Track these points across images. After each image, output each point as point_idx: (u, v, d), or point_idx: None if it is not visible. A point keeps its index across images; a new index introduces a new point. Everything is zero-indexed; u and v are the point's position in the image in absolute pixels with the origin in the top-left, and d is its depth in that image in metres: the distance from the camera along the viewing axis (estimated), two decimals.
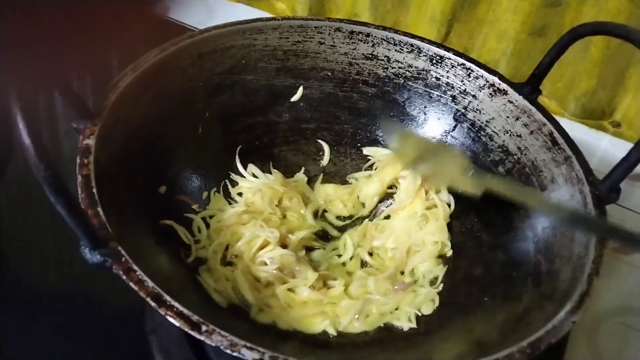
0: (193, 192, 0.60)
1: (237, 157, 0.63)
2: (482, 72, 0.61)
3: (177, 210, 0.58)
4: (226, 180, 0.62)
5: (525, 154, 0.58)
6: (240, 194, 0.62)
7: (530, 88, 0.59)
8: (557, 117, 0.58)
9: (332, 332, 0.52)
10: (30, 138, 0.36)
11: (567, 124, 0.87)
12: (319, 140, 0.67)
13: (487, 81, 0.61)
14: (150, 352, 0.56)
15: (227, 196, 0.62)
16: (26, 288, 0.62)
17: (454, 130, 0.64)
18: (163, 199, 0.57)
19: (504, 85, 0.60)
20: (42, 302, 0.61)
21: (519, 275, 0.53)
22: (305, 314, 0.53)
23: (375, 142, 0.67)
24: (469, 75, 0.62)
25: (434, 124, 0.65)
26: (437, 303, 0.56)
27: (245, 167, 0.63)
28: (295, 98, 0.66)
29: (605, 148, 0.85)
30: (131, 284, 0.41)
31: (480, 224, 0.60)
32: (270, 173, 0.64)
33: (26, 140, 0.36)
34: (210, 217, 0.59)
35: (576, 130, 0.86)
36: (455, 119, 0.63)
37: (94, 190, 0.45)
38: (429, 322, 0.54)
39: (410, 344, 0.52)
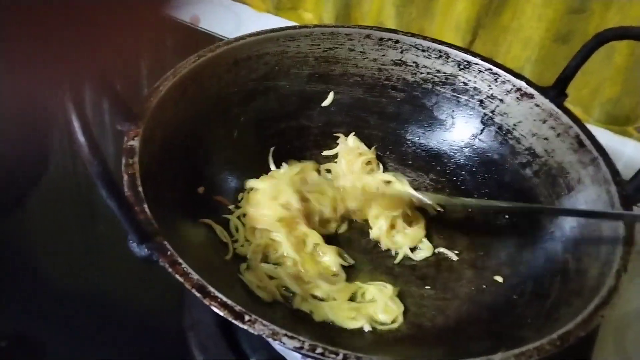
0: (230, 193, 0.62)
1: (270, 157, 0.65)
2: (509, 76, 0.63)
3: (216, 210, 0.60)
4: None
5: (552, 156, 0.59)
6: None
7: (556, 92, 0.60)
8: (591, 131, 0.59)
9: (367, 328, 0.54)
10: (84, 135, 0.38)
11: (592, 129, 0.88)
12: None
13: (514, 85, 0.62)
14: (188, 347, 0.58)
15: None
16: (65, 289, 0.65)
17: (481, 133, 0.65)
18: (202, 199, 0.59)
19: (530, 90, 0.62)
20: (77, 302, 0.63)
21: (548, 273, 0.54)
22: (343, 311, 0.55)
23: (402, 145, 0.69)
24: (496, 80, 0.63)
25: (462, 127, 0.66)
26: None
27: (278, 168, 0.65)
28: (326, 103, 0.68)
29: (630, 153, 0.86)
30: (177, 276, 0.43)
31: (509, 225, 0.61)
32: None
33: (80, 138, 0.38)
34: (244, 215, 0.61)
35: (601, 136, 0.85)
36: (482, 123, 0.65)
37: (140, 188, 0.47)
38: (458, 320, 0.55)
39: (440, 340, 0.53)
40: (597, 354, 0.63)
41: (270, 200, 0.60)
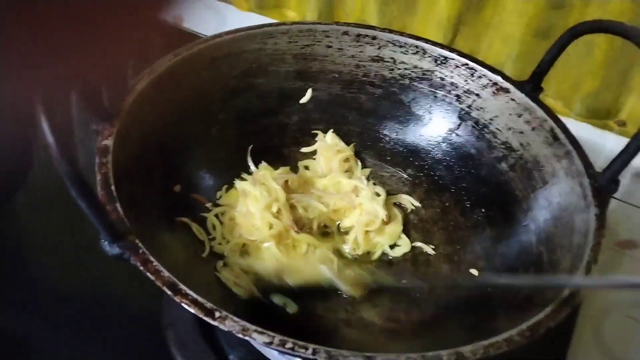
0: (207, 190, 0.62)
1: (249, 156, 0.65)
2: (485, 71, 0.63)
3: (193, 208, 0.60)
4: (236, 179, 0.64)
5: (528, 150, 0.60)
6: None
7: (532, 86, 0.61)
8: (563, 118, 0.59)
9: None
10: (52, 136, 0.38)
11: (573, 124, 0.88)
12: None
13: (490, 80, 0.63)
14: (167, 345, 0.58)
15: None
16: (46, 287, 0.65)
17: (458, 128, 0.65)
18: (179, 197, 0.59)
19: (506, 84, 0.62)
20: (62, 300, 0.64)
21: (522, 266, 0.54)
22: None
23: (380, 141, 0.69)
24: (472, 75, 0.64)
25: (439, 122, 0.67)
26: None
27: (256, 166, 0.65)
28: (304, 100, 0.68)
29: (611, 147, 0.86)
30: (148, 274, 0.43)
31: (485, 219, 0.62)
32: None
33: (49, 138, 0.38)
34: (223, 214, 0.62)
35: (582, 130, 0.88)
36: (459, 118, 0.65)
37: (112, 187, 0.47)
38: (434, 314, 0.56)
39: (416, 334, 0.54)
40: (576, 345, 0.64)
41: (263, 211, 0.60)
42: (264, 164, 0.65)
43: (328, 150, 0.67)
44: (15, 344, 0.59)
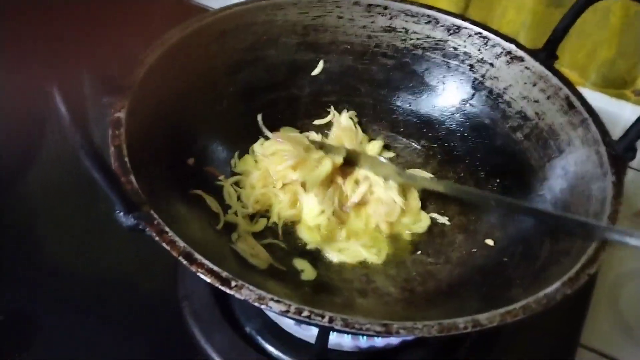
0: (220, 163, 0.62)
1: (260, 123, 0.66)
2: (498, 40, 0.62)
3: (206, 181, 0.60)
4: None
5: (543, 119, 0.59)
6: None
7: (546, 54, 0.60)
8: (578, 87, 0.58)
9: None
10: (65, 107, 0.38)
11: (588, 93, 0.87)
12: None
13: (504, 49, 0.62)
14: (183, 317, 0.59)
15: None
16: (59, 266, 0.66)
17: (472, 98, 0.65)
18: (192, 170, 0.59)
19: (520, 52, 0.61)
20: (76, 275, 0.64)
21: (538, 235, 0.54)
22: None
23: (393, 112, 0.69)
24: (485, 44, 0.63)
25: (453, 93, 0.66)
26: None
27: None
28: (316, 72, 0.67)
29: (628, 116, 0.85)
30: (163, 244, 0.43)
31: (500, 189, 0.61)
32: None
33: (62, 109, 0.38)
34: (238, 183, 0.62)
35: (598, 100, 0.86)
36: (473, 88, 0.65)
37: (126, 159, 0.47)
38: (450, 283, 0.55)
39: (431, 304, 0.53)
40: (592, 314, 0.64)
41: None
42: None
43: (343, 132, 0.66)
44: (29, 322, 0.59)
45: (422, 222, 0.62)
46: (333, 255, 0.58)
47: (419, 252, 0.59)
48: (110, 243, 0.67)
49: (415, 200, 0.63)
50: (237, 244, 0.57)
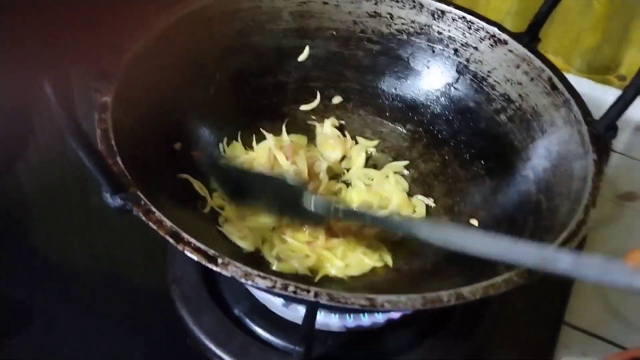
0: (207, 148, 0.63)
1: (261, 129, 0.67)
2: (482, 24, 0.63)
3: (193, 166, 0.60)
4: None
5: (526, 101, 0.60)
6: None
7: (529, 37, 0.61)
8: (563, 74, 0.59)
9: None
10: (52, 88, 0.39)
11: (573, 79, 0.88)
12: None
13: (488, 32, 0.63)
14: (172, 300, 0.59)
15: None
16: (49, 251, 0.66)
17: (457, 82, 0.65)
18: (179, 155, 0.59)
19: (504, 36, 0.62)
20: (65, 261, 0.65)
21: (521, 214, 0.55)
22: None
23: (379, 97, 0.69)
24: (469, 28, 0.64)
25: (438, 77, 0.66)
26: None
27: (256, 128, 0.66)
28: (302, 58, 0.68)
29: (611, 101, 0.86)
30: (150, 224, 0.43)
31: (484, 171, 0.62)
32: (280, 132, 0.67)
33: (48, 89, 0.39)
34: None
35: (583, 85, 0.86)
36: (457, 72, 0.65)
37: (112, 142, 0.48)
38: (435, 263, 0.56)
39: (415, 282, 0.54)
40: (576, 292, 0.65)
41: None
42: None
43: (328, 140, 0.67)
44: (19, 309, 0.60)
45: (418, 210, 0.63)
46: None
47: None
48: (100, 232, 0.68)
49: (403, 193, 0.64)
50: (225, 227, 0.57)
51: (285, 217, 0.58)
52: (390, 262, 0.58)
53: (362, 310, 0.50)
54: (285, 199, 0.55)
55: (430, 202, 0.62)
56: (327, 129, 0.68)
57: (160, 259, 0.62)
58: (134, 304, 0.61)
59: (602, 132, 0.53)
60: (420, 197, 0.63)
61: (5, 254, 0.64)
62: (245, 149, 0.65)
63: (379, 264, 0.57)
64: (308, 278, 0.56)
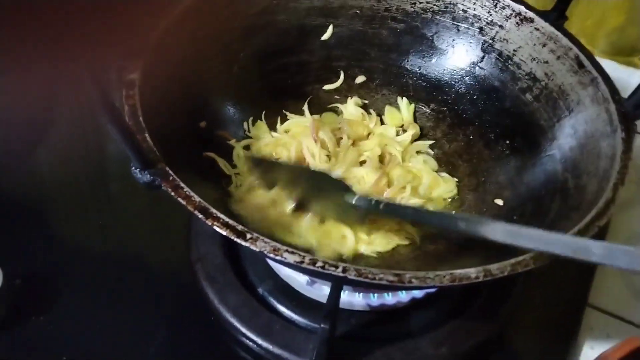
0: (232, 127, 0.63)
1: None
2: (508, 1, 0.62)
3: (218, 145, 0.60)
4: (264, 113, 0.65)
5: (553, 80, 0.59)
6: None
7: (556, 14, 0.60)
8: (590, 52, 0.58)
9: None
10: (85, 67, 0.39)
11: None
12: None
13: (514, 10, 0.62)
14: (197, 279, 0.60)
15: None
16: (74, 231, 0.67)
17: (482, 61, 0.65)
18: (205, 133, 0.59)
19: (530, 14, 0.61)
20: (90, 242, 0.66)
21: (547, 193, 0.54)
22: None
23: (403, 76, 0.69)
24: (495, 6, 0.63)
25: (462, 56, 0.66)
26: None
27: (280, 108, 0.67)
28: (325, 37, 0.68)
29: (636, 82, 0.84)
30: (179, 199, 0.44)
31: (509, 150, 0.61)
32: (302, 112, 0.67)
33: (82, 69, 0.39)
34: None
35: (607, 67, 0.85)
36: (483, 50, 0.65)
37: (140, 118, 0.48)
38: (460, 243, 0.56)
39: (441, 262, 0.54)
40: (600, 274, 0.64)
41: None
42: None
43: (352, 121, 0.67)
44: (45, 286, 0.60)
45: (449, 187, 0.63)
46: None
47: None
48: (121, 215, 0.68)
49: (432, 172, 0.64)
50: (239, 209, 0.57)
51: (328, 213, 0.57)
52: (417, 239, 0.58)
53: (389, 287, 0.50)
54: (327, 194, 0.55)
55: (454, 181, 0.62)
56: (350, 108, 0.68)
57: (183, 239, 0.63)
58: (158, 283, 0.62)
59: (630, 110, 0.53)
60: (444, 174, 0.63)
61: (30, 234, 0.64)
62: (270, 130, 0.65)
63: (404, 242, 0.57)
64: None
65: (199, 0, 0.59)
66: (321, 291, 0.58)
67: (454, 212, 0.60)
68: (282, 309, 0.58)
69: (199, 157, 0.58)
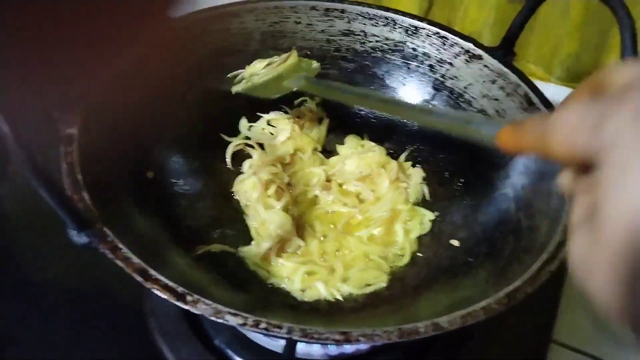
0: (180, 176, 0.61)
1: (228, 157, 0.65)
2: (456, 39, 0.62)
3: (165, 193, 0.59)
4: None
5: (504, 116, 0.59)
6: None
7: (504, 51, 0.60)
8: (543, 83, 0.59)
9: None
10: (8, 125, 0.37)
11: (553, 88, 0.88)
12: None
13: (463, 48, 0.62)
14: (151, 333, 0.58)
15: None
16: (27, 279, 0.64)
17: (433, 98, 0.65)
18: (152, 183, 0.58)
19: (479, 51, 0.61)
20: (45, 290, 0.63)
21: (501, 233, 0.54)
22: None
23: (356, 116, 0.68)
24: (444, 44, 0.63)
25: (414, 94, 0.66)
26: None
27: None
28: None
29: None
30: (117, 261, 0.42)
31: (464, 188, 0.61)
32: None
33: (4, 128, 0.37)
34: None
35: (563, 94, 0.86)
36: (434, 88, 0.64)
37: (79, 176, 0.46)
38: (416, 286, 0.55)
39: (397, 307, 0.53)
40: (564, 309, 0.64)
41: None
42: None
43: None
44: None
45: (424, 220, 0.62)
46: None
47: None
48: (80, 257, 0.66)
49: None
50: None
51: None
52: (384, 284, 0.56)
53: (337, 344, 0.49)
54: None
55: None
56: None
57: (139, 288, 0.61)
58: (113, 337, 0.59)
59: None
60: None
61: None
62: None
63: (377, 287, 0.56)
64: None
65: (141, 49, 0.58)
66: (279, 342, 0.56)
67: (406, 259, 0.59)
68: None
69: (147, 206, 0.56)
